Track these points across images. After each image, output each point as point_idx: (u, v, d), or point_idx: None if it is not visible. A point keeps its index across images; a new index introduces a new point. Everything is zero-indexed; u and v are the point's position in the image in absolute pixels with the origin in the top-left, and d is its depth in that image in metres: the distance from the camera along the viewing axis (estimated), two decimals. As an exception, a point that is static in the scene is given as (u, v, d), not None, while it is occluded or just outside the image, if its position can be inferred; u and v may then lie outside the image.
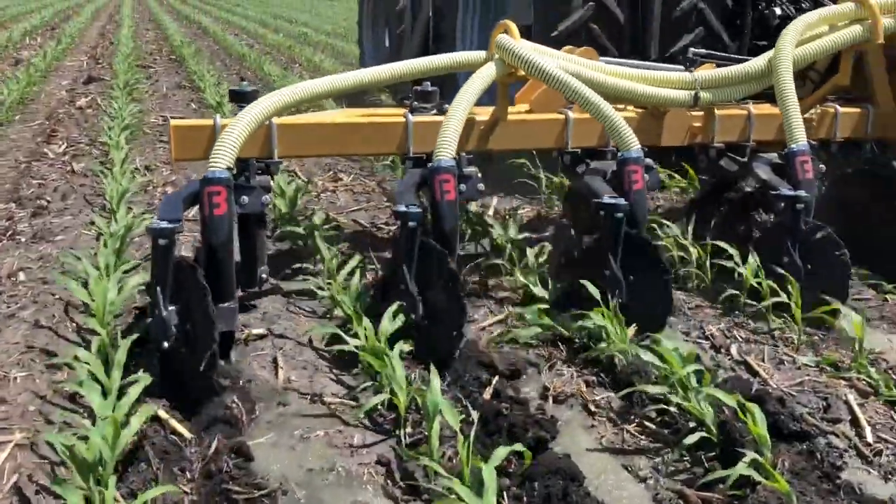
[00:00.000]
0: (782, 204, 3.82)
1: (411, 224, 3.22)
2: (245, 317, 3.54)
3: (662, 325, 3.51)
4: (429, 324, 3.22)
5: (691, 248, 4.12)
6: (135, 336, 2.97)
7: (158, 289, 2.88)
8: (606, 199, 3.51)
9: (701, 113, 4.35)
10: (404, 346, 3.04)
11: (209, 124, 3.53)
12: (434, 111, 3.89)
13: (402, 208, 3.26)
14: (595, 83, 3.86)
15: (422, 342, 3.19)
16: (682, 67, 4.31)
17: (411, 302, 3.21)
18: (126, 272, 3.58)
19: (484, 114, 3.97)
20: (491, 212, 4.94)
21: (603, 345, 3.17)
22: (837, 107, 4.49)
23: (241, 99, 3.60)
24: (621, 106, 4.20)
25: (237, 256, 3.42)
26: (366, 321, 3.14)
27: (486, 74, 3.73)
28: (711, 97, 4.12)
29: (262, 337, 3.35)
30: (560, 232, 3.85)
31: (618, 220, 3.46)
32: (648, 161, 3.74)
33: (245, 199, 3.42)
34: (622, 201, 3.50)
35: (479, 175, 3.68)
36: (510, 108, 4.12)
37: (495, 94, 3.92)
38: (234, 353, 3.16)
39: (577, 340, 3.33)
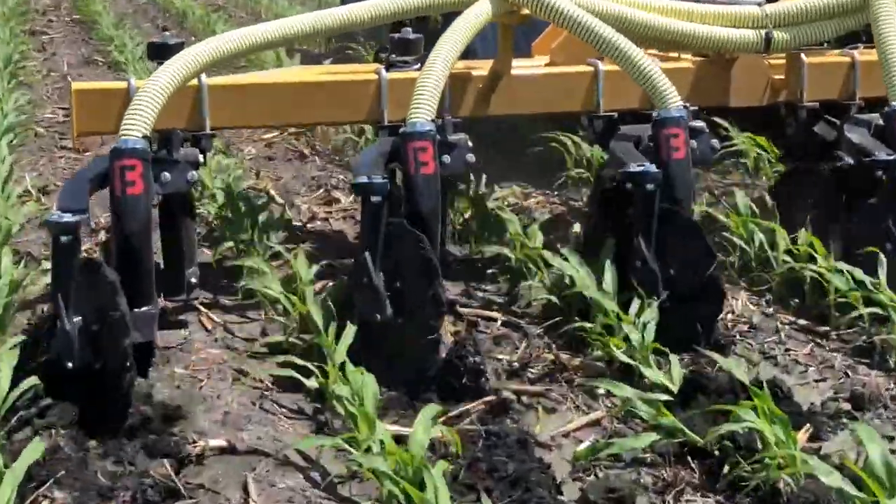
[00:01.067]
0: (879, 172, 4.23)
1: (374, 199, 3.66)
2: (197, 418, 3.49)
3: (710, 335, 3.92)
4: (397, 327, 3.68)
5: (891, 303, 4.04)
6: (33, 457, 2.89)
7: (60, 297, 3.31)
8: (633, 168, 3.95)
9: (783, 61, 4.73)
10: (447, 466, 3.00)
11: (122, 88, 4.01)
12: (417, 66, 4.24)
13: (364, 179, 3.70)
14: (625, 21, 4.27)
15: (387, 354, 3.63)
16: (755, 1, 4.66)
17: (376, 299, 3.65)
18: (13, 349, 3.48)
19: (485, 68, 4.46)
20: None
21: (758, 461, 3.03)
22: None
23: (163, 54, 3.96)
24: (674, 54, 4.71)
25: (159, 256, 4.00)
26: (382, 427, 3.06)
27: (478, 13, 4.14)
28: (789, 38, 4.47)
29: (224, 451, 3.26)
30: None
31: (649, 194, 3.90)
32: (699, 124, 4.17)
33: (166, 175, 3.83)
34: (654, 168, 3.94)
35: (470, 145, 4.13)
36: (523, 62, 4.66)
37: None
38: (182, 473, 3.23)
39: (716, 453, 3.21)
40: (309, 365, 3.63)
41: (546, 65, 4.69)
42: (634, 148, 4.19)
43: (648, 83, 4.09)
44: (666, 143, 4.02)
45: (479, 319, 4.24)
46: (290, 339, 3.94)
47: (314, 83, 4.46)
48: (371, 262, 3.68)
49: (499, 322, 4.21)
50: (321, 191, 6.15)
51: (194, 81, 4.05)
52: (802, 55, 4.69)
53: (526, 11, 4.21)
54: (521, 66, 4.58)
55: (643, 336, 3.74)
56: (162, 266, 4.19)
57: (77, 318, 3.33)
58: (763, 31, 4.46)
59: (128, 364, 3.33)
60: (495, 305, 4.40)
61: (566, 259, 4.18)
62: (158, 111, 3.70)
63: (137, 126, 3.63)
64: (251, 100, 4.28)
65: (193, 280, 4.25)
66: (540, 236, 4.56)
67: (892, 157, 4.23)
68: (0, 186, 5.61)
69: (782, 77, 4.75)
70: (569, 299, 4.16)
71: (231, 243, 4.74)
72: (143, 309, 3.58)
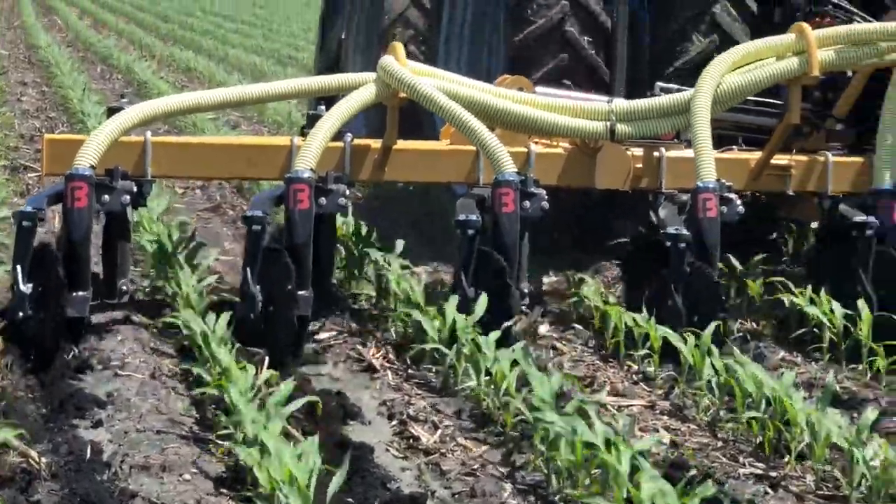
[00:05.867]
0: (668, 244, 5.56)
1: (255, 228, 5.44)
2: None
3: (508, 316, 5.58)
4: (266, 320, 5.37)
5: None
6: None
7: (18, 266, 5.15)
8: (461, 216, 5.51)
9: (640, 153, 6.21)
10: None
11: (84, 139, 5.63)
12: None
13: (249, 213, 5.47)
14: (486, 107, 5.88)
15: (259, 340, 5.29)
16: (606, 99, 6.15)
17: (252, 300, 5.33)
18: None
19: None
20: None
21: None
22: (829, 155, 6.27)
23: None
24: (555, 143, 6.27)
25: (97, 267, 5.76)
26: None
27: (363, 94, 5.92)
28: (630, 130, 5.99)
29: None
30: None
31: (470, 238, 5.49)
32: (538, 190, 5.69)
33: (106, 197, 5.53)
34: (475, 217, 5.53)
35: (347, 192, 5.72)
36: (429, 143, 6.47)
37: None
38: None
39: None
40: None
41: (448, 145, 6.19)
42: (475, 205, 5.65)
43: (490, 153, 5.65)
44: (499, 200, 5.54)
45: None
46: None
47: (238, 145, 6.53)
48: (250, 275, 5.35)
49: None
50: (394, 422, 4.96)
51: (140, 137, 5.81)
52: (662, 149, 6.13)
53: (403, 95, 5.82)
54: (417, 144, 6.31)
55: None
56: (101, 276, 5.88)
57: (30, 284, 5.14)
58: (608, 123, 5.91)
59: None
60: None
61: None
62: (105, 148, 5.46)
63: (86, 158, 5.43)
64: (185, 155, 6.10)
65: (124, 288, 5.94)
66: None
67: (673, 231, 5.53)
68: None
69: (641, 166, 6.16)
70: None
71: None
72: (80, 293, 5.33)
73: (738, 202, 5.85)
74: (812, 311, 5.74)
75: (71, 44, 25.26)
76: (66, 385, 5.01)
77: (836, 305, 5.65)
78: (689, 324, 5.44)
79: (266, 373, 4.83)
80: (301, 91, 6.43)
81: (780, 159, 6.37)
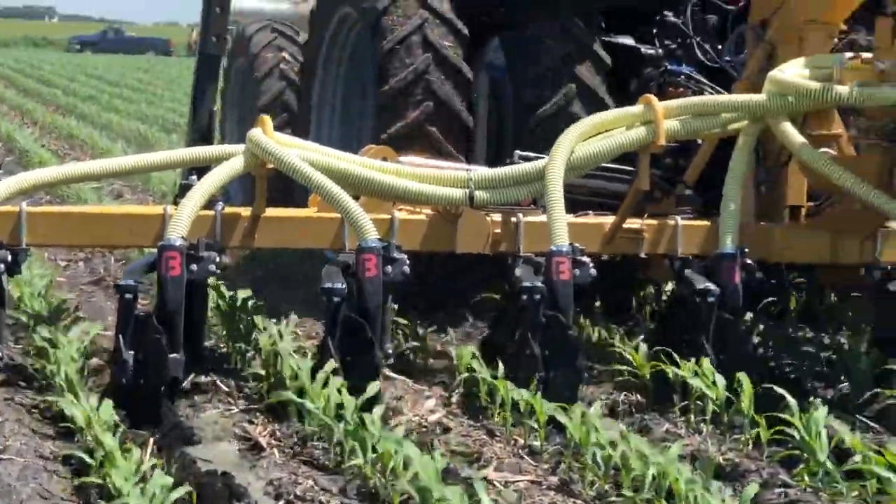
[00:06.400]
0: (524, 297, 5.93)
1: (127, 296, 5.71)
2: None
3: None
4: (136, 382, 5.60)
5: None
6: None
7: None
8: (326, 284, 5.82)
9: (499, 218, 6.55)
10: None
11: None
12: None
13: (122, 283, 5.78)
14: (350, 177, 6.21)
15: (129, 404, 5.53)
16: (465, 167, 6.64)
17: (124, 367, 5.57)
18: None
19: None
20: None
21: None
22: (678, 219, 6.69)
23: None
24: (418, 210, 6.54)
25: None
26: None
27: (233, 164, 6.24)
28: (488, 197, 6.34)
29: None
30: None
31: (336, 305, 5.79)
32: (400, 255, 5.96)
33: None
34: (341, 285, 5.82)
35: (217, 259, 5.96)
36: (297, 211, 6.75)
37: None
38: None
39: None
40: None
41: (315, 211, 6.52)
42: (340, 271, 5.98)
43: (353, 220, 5.95)
44: (362, 266, 5.82)
45: None
46: None
47: (112, 214, 6.74)
48: (122, 341, 5.60)
49: None
50: (281, 502, 4.84)
51: (15, 207, 6.01)
52: (520, 214, 6.47)
53: (270, 165, 6.16)
54: (286, 211, 6.64)
55: None
56: None
57: None
58: (467, 191, 6.25)
59: None
60: None
61: None
62: None
63: None
64: (60, 224, 6.33)
65: (0, 355, 6.02)
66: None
67: (530, 284, 5.93)
68: None
69: (499, 231, 6.54)
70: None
71: None
72: None
73: (591, 265, 6.15)
74: (695, 382, 5.81)
75: (-51, 110, 24.74)
76: (-54, 472, 4.85)
77: (718, 378, 5.72)
78: (546, 372, 5.86)
79: (150, 460, 4.74)
80: (175, 162, 6.73)
81: (632, 223, 6.70)
